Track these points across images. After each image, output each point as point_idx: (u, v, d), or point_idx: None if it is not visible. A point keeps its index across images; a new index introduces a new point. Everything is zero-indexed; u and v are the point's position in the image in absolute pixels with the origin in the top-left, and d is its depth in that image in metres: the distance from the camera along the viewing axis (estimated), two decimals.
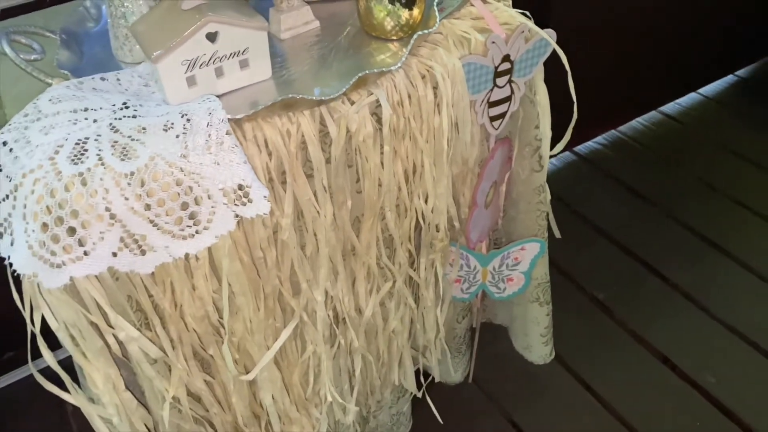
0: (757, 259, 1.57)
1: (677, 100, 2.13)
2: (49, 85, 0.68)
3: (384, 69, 0.68)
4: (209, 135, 0.62)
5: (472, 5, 0.80)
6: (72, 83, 0.67)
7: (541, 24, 0.81)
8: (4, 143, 0.62)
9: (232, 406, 0.80)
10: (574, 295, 1.53)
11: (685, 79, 2.10)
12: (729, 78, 2.22)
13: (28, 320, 0.66)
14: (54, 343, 0.69)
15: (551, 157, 0.93)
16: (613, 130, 2.02)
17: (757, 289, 1.51)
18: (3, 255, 0.60)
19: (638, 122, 2.05)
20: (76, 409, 1.32)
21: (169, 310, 0.69)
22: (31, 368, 0.73)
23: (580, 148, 1.97)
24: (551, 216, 1.02)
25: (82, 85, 0.67)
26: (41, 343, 0.67)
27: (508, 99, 0.83)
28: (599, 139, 2.00)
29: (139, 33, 0.65)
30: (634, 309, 1.48)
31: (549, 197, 0.98)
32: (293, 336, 0.81)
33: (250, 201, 0.63)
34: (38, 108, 0.64)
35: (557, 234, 1.06)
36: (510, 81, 0.82)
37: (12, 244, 0.60)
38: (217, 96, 0.67)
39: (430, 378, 1.13)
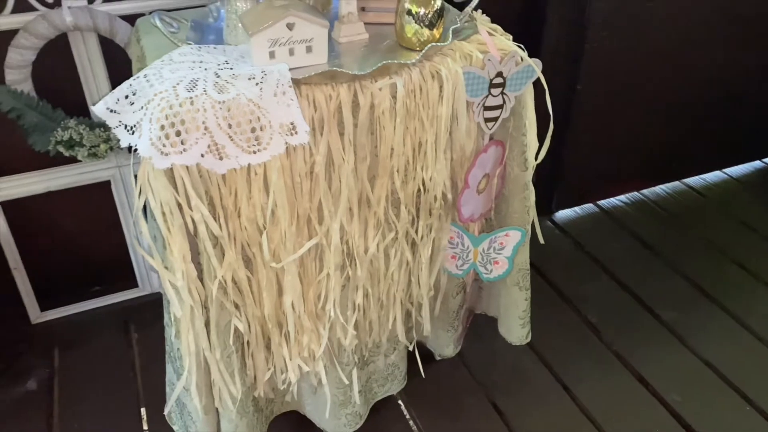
0: (751, 317, 1.72)
1: (702, 175, 2.33)
2: (179, 47, 1.01)
3: (403, 62, 0.98)
4: (277, 86, 0.93)
5: (479, 33, 1.10)
6: (194, 47, 1.00)
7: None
8: (145, 76, 0.94)
9: (262, 301, 1.08)
10: (569, 315, 1.73)
11: (713, 156, 2.31)
12: (756, 163, 2.41)
13: (136, 200, 0.96)
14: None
15: (537, 163, 1.19)
16: (636, 192, 2.24)
17: (745, 340, 1.66)
18: (132, 144, 0.92)
19: (662, 189, 2.26)
20: (140, 337, 1.64)
21: (230, 208, 0.98)
22: (137, 248, 1.03)
23: (604, 203, 2.20)
24: (536, 221, 1.27)
25: (200, 49, 1.00)
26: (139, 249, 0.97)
27: (500, 107, 1.11)
28: (623, 198, 2.22)
29: (244, 19, 0.98)
30: (621, 334, 1.67)
31: (533, 197, 1.23)
32: (314, 256, 1.08)
33: (296, 133, 0.93)
34: (171, 58, 0.97)
35: (541, 240, 1.30)
36: (503, 93, 1.10)
37: (139, 138, 0.91)
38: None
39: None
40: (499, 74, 1.07)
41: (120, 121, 0.93)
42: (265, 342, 1.15)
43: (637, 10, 1.77)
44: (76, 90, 1.42)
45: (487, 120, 1.12)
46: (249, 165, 0.94)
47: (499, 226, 1.27)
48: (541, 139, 1.17)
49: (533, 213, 1.24)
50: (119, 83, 1.39)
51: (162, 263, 1.01)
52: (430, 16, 1.03)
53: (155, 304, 1.69)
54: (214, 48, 1.02)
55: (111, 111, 0.93)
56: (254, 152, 0.94)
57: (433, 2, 1.03)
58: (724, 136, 2.22)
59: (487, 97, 1.09)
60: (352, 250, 1.11)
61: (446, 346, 1.45)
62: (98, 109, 0.93)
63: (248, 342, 1.13)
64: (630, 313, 1.75)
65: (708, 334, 1.68)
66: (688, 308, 1.76)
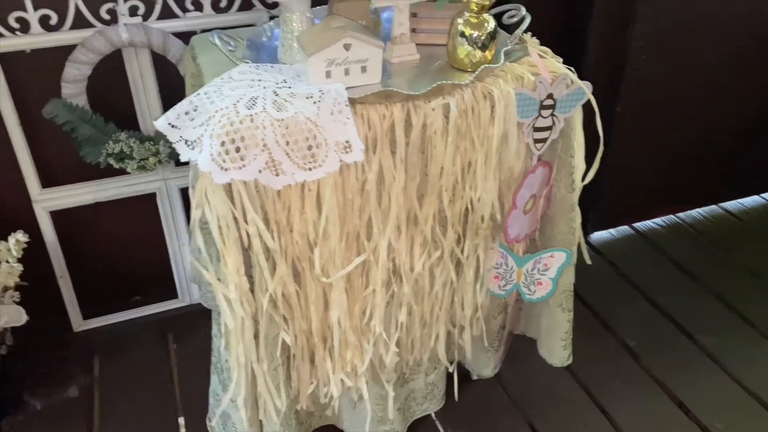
0: None
1: (740, 200, 2.30)
2: (237, 65, 1.04)
3: (456, 82, 1.00)
4: (334, 105, 0.95)
5: (530, 55, 1.11)
6: (252, 66, 1.03)
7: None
8: (206, 93, 0.97)
9: (309, 315, 1.09)
10: (607, 339, 1.72)
11: (751, 181, 2.28)
12: None
13: (193, 213, 0.99)
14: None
15: (584, 184, 1.19)
16: (672, 215, 2.22)
17: None
18: (192, 159, 0.94)
19: (698, 212, 2.24)
20: (179, 347, 1.66)
21: (283, 223, 1.00)
22: (192, 260, 1.05)
23: (640, 225, 2.18)
24: (582, 243, 1.27)
25: (258, 68, 1.02)
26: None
27: (549, 128, 1.12)
28: (658, 220, 2.20)
29: (302, 40, 1.00)
30: (660, 358, 1.65)
31: (579, 218, 1.23)
32: (360, 272, 1.10)
33: (351, 151, 0.95)
34: (230, 76, 1.00)
35: (588, 260, 1.30)
36: (552, 114, 1.10)
37: (200, 153, 0.93)
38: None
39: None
40: (550, 96, 1.08)
41: (180, 136, 0.96)
42: (309, 355, 1.16)
43: (678, 33, 1.77)
44: (127, 104, 1.46)
45: (536, 141, 1.12)
46: (303, 181, 0.96)
47: (543, 247, 1.27)
48: (587, 161, 1.18)
49: (579, 234, 1.24)
50: (170, 98, 1.46)
51: (215, 275, 1.03)
52: (483, 38, 1.05)
53: (194, 315, 1.73)
54: (271, 67, 1.04)
55: (172, 126, 0.96)
56: (310, 169, 0.96)
57: (486, 25, 1.05)
58: (763, 160, 2.20)
59: (537, 118, 1.10)
60: (398, 267, 1.12)
61: (485, 367, 1.45)
62: (160, 124, 0.96)
63: (293, 355, 1.14)
64: (668, 338, 1.73)
65: (748, 360, 1.65)
66: (727, 333, 1.73)
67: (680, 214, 2.23)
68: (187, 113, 0.96)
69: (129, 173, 1.45)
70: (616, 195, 2.03)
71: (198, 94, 0.97)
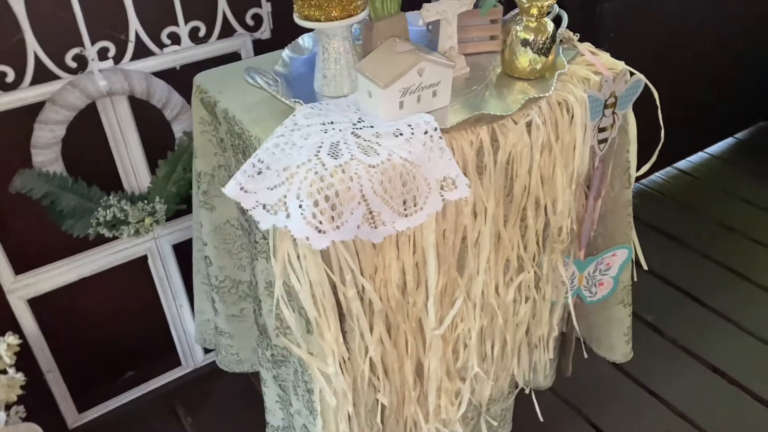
0: None
1: (688, 158, 2.42)
2: (293, 107, 0.90)
3: (541, 95, 0.92)
4: (428, 140, 0.84)
5: (583, 55, 1.05)
6: (312, 106, 0.89)
7: None
8: (276, 145, 0.83)
9: (404, 369, 0.98)
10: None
11: (694, 139, 2.40)
12: (729, 140, 2.53)
13: (277, 289, 0.85)
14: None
15: (637, 177, 1.16)
16: (636, 183, 2.28)
17: None
18: (279, 225, 0.80)
19: (657, 176, 2.32)
20: (194, 420, 1.48)
21: (381, 276, 0.88)
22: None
23: None
24: (635, 236, 1.24)
25: (320, 107, 0.89)
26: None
27: (611, 126, 1.07)
28: None
29: (367, 70, 0.88)
30: (682, 329, 1.68)
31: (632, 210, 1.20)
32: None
33: (456, 187, 0.85)
34: (295, 122, 0.86)
35: (645, 265, 1.26)
36: (614, 112, 1.06)
37: (288, 217, 0.80)
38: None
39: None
40: (612, 94, 1.04)
41: (257, 201, 0.81)
42: (399, 409, 1.05)
43: (646, 10, 1.79)
44: (107, 162, 1.26)
45: (599, 142, 1.08)
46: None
47: (604, 246, 1.23)
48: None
49: (638, 247, 1.21)
50: (156, 148, 1.27)
51: (306, 349, 0.90)
52: (546, 42, 0.98)
53: (202, 380, 1.56)
54: (335, 105, 0.91)
55: (245, 191, 0.81)
56: (410, 214, 0.85)
57: (546, 28, 0.98)
58: (701, 119, 2.31)
59: (601, 118, 1.05)
60: (486, 298, 1.03)
61: (543, 377, 1.40)
62: (230, 191, 0.81)
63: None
64: (681, 306, 1.76)
65: (758, 313, 1.72)
66: (728, 293, 1.80)
67: (643, 181, 2.30)
68: (259, 173, 0.82)
69: (115, 239, 1.26)
70: None
71: (265, 148, 0.83)
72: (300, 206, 0.79)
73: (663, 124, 1.10)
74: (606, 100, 1.03)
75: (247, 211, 0.82)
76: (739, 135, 2.56)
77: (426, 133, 0.84)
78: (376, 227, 0.83)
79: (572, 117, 0.97)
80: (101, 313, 1.41)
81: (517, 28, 0.98)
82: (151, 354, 1.52)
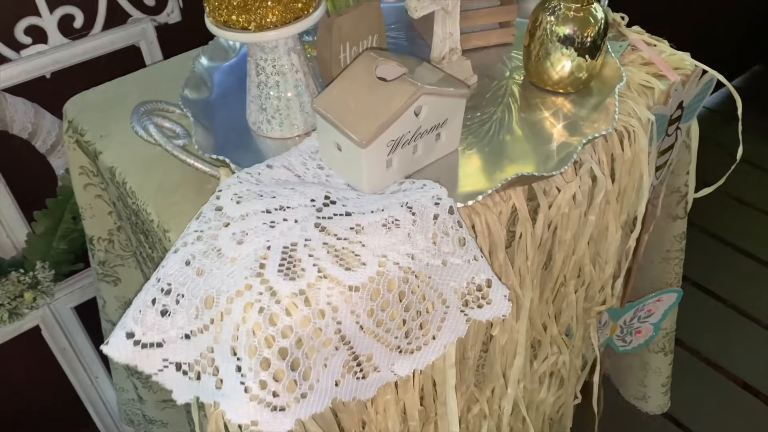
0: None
1: None
2: (215, 176, 0.56)
3: (602, 133, 0.60)
4: (439, 229, 0.52)
5: (634, 47, 0.73)
6: (244, 176, 0.55)
7: None
8: (192, 256, 0.49)
9: None
10: None
11: None
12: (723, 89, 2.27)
13: None
14: None
15: (694, 198, 0.87)
16: None
17: None
18: (206, 400, 0.48)
19: None
20: None
21: (371, 428, 0.57)
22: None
23: None
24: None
25: (259, 176, 0.55)
26: None
27: (671, 147, 0.77)
28: None
29: (327, 110, 0.54)
30: (700, 333, 1.45)
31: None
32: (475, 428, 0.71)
33: (488, 302, 0.53)
34: (221, 210, 0.52)
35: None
36: (677, 128, 0.75)
37: (219, 387, 0.47)
38: (407, 176, 0.57)
39: None
40: (680, 105, 0.73)
41: (166, 360, 0.48)
42: None
43: None
44: None
45: (657, 168, 0.77)
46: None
47: (646, 290, 0.94)
48: None
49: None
50: (30, 196, 0.89)
51: None
52: (597, 39, 0.65)
53: None
54: (268, 167, 0.56)
55: (138, 343, 0.48)
56: (418, 348, 0.53)
57: (595, 18, 0.65)
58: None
59: (663, 139, 0.74)
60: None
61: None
62: (114, 347, 0.48)
63: None
64: (694, 303, 1.53)
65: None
66: (741, 280, 1.58)
67: None
68: (165, 313, 0.48)
69: None
70: None
71: (172, 265, 0.49)
72: (239, 369, 0.47)
73: None
74: (671, 115, 0.72)
75: (151, 376, 0.49)
76: (734, 82, 2.31)
77: (436, 218, 0.52)
78: (364, 377, 0.52)
79: (630, 146, 0.66)
80: None
81: (551, 19, 0.65)
82: None
